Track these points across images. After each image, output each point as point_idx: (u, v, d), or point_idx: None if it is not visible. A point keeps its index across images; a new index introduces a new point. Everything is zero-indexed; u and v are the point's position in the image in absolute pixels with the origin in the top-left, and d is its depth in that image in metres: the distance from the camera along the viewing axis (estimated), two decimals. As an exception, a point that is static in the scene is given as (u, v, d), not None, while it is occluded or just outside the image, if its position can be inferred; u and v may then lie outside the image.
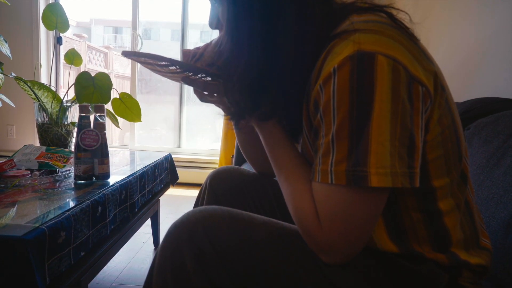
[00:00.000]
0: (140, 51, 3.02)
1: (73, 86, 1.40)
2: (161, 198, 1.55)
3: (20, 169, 1.05)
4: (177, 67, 0.55)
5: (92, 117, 1.03)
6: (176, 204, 2.41)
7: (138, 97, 3.13)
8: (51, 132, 1.32)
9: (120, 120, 1.60)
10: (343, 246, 0.48)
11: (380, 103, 0.43)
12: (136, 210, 1.13)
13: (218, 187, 0.81)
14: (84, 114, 1.00)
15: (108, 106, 1.40)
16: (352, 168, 0.45)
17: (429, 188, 0.51)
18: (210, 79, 0.58)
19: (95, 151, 0.98)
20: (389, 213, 0.53)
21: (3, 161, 1.00)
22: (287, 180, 0.56)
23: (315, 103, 0.49)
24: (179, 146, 3.22)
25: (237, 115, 0.60)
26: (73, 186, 0.96)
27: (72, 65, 1.61)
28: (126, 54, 0.58)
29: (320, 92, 0.47)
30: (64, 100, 1.37)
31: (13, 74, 1.42)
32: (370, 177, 0.44)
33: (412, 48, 0.47)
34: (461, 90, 1.48)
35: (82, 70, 3.11)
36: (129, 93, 1.64)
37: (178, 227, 0.52)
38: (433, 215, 0.52)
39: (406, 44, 0.47)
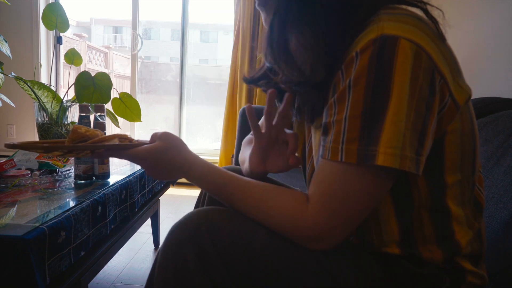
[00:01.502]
0: (139, 52, 3.02)
1: (73, 86, 1.40)
2: (161, 198, 1.55)
3: (20, 168, 1.05)
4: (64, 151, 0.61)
5: (92, 117, 1.03)
6: (176, 204, 2.41)
7: (138, 97, 3.12)
8: (51, 132, 1.32)
9: (120, 120, 1.60)
10: (335, 226, 0.48)
11: (400, 84, 0.43)
12: (136, 209, 1.13)
13: None
14: (84, 114, 1.00)
15: (108, 106, 1.40)
16: (364, 147, 0.45)
17: (441, 183, 0.51)
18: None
19: (95, 151, 0.98)
20: (402, 211, 0.53)
21: (3, 160, 1.00)
22: (243, 194, 0.55)
23: (334, 87, 0.49)
24: (179, 146, 3.22)
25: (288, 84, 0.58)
26: (73, 185, 0.96)
27: (72, 65, 1.61)
28: (9, 146, 0.58)
29: (341, 76, 0.47)
30: (64, 100, 1.37)
31: (13, 74, 1.42)
32: (378, 155, 0.44)
33: (440, 44, 0.48)
34: (461, 90, 1.48)
35: (82, 70, 3.11)
36: (129, 93, 1.64)
37: (180, 227, 0.52)
38: (442, 217, 0.52)
39: (434, 39, 0.47)
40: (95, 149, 0.61)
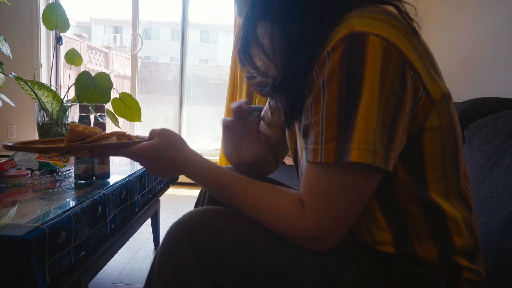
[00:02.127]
0: (139, 52, 3.02)
1: (73, 86, 1.40)
2: (161, 198, 1.55)
3: (21, 168, 1.05)
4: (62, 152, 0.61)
5: (92, 117, 1.03)
6: (176, 204, 2.41)
7: (138, 97, 3.12)
8: (52, 132, 1.32)
9: (120, 120, 1.60)
10: (331, 226, 0.48)
11: (370, 80, 0.44)
12: (136, 209, 1.13)
13: None
14: (84, 114, 1.00)
15: (108, 106, 1.40)
16: (341, 146, 0.45)
17: (422, 178, 0.51)
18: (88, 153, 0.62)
19: (95, 151, 0.98)
20: (389, 208, 0.53)
21: (4, 160, 1.00)
22: (244, 193, 0.55)
23: (309, 87, 0.49)
24: (179, 146, 3.22)
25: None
26: (73, 185, 0.96)
27: (72, 65, 1.61)
28: (7, 147, 0.59)
29: (316, 76, 0.48)
30: (64, 100, 1.37)
31: (13, 74, 1.42)
32: (351, 152, 0.44)
33: (413, 40, 0.48)
34: (461, 90, 1.48)
35: (82, 70, 3.11)
36: (129, 93, 1.64)
37: (180, 226, 0.52)
38: (434, 212, 0.52)
39: (406, 34, 0.47)
40: (93, 149, 0.61)
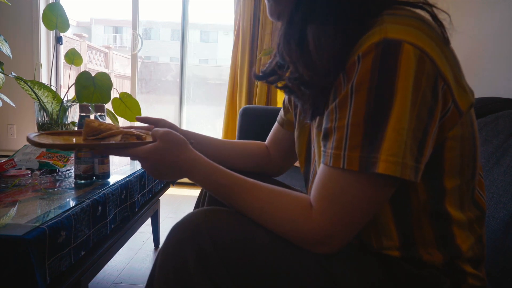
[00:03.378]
0: (139, 52, 3.02)
1: (73, 85, 1.40)
2: (161, 198, 1.55)
3: (21, 168, 1.05)
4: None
5: (92, 117, 1.03)
6: (176, 203, 2.41)
7: (138, 97, 3.12)
8: (51, 132, 1.32)
9: (120, 119, 1.60)
10: (338, 230, 0.48)
11: (403, 90, 0.43)
12: (136, 209, 1.14)
13: None
14: (84, 114, 1.00)
15: (108, 106, 1.40)
16: (367, 155, 0.44)
17: (440, 188, 0.51)
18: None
19: (95, 151, 0.98)
20: (402, 217, 0.53)
21: (4, 160, 1.00)
22: (249, 195, 0.54)
23: (335, 90, 0.49)
24: (179, 146, 3.22)
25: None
26: (73, 185, 0.96)
27: (72, 65, 1.61)
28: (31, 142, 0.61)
29: (343, 80, 0.47)
30: (64, 100, 1.37)
31: (13, 73, 1.42)
32: (379, 163, 0.43)
33: (444, 49, 0.47)
34: (461, 90, 1.48)
35: (82, 69, 3.11)
36: (129, 92, 1.64)
37: (181, 226, 0.52)
38: (443, 221, 0.52)
39: (438, 42, 0.46)
40: (94, 148, 0.61)
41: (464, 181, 0.52)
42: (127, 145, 0.61)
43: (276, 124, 0.86)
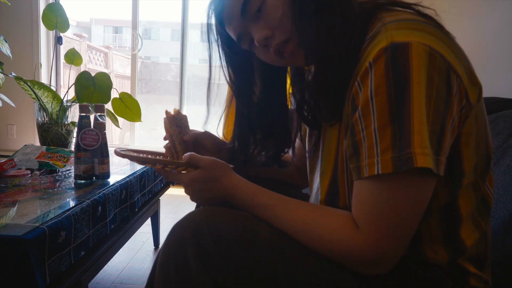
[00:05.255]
0: (139, 52, 3.02)
1: (73, 85, 1.40)
2: (161, 198, 1.55)
3: (21, 168, 1.05)
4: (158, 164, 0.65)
5: (92, 117, 1.03)
6: (176, 203, 2.41)
7: (138, 97, 3.12)
8: (51, 132, 1.32)
9: (120, 119, 1.60)
10: (389, 245, 0.47)
11: (418, 85, 0.43)
12: (136, 209, 1.14)
13: None
14: (84, 114, 1.00)
15: (108, 106, 1.40)
16: (398, 154, 0.44)
17: (459, 185, 0.51)
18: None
19: (95, 151, 0.98)
20: None
21: (3, 160, 1.00)
22: (293, 216, 0.54)
23: (353, 100, 0.49)
24: (179, 146, 3.22)
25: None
26: (73, 185, 0.96)
27: (72, 65, 1.61)
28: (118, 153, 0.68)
29: (359, 88, 0.48)
30: (64, 100, 1.37)
31: (13, 73, 1.42)
32: (416, 157, 0.43)
33: (450, 44, 0.48)
34: (461, 90, 1.48)
35: (82, 70, 3.11)
36: (129, 92, 1.64)
37: (182, 225, 0.52)
38: (451, 217, 0.52)
39: (443, 39, 0.47)
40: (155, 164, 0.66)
41: (478, 177, 0.52)
42: (167, 165, 0.64)
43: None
